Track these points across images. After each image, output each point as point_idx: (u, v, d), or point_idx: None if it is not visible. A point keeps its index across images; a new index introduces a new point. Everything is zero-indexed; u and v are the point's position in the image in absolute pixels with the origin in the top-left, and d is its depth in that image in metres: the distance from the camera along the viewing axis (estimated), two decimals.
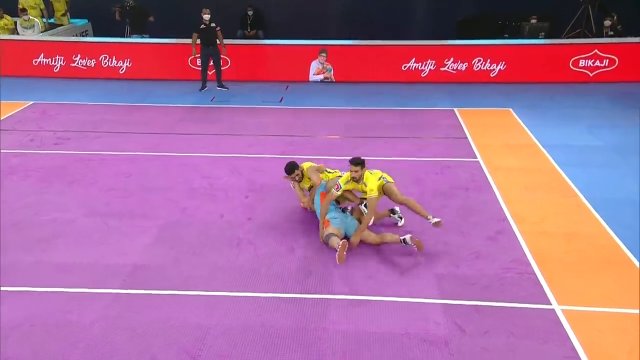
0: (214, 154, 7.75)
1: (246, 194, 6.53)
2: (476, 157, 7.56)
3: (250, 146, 8.08)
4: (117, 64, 11.71)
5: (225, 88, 10.59)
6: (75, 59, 11.73)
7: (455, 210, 6.08)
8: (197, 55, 10.53)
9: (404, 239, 5.15)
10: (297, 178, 5.84)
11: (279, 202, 6.28)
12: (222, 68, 10.63)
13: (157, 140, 8.31)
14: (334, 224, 5.33)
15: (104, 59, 11.71)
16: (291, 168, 5.80)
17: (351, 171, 5.21)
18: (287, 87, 11.41)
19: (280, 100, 10.50)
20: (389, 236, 5.27)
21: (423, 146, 8.05)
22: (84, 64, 11.75)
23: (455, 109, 9.72)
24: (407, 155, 7.69)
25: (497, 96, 10.47)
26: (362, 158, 5.28)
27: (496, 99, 10.27)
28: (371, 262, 5.12)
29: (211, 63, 10.49)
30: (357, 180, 5.23)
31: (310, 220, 5.87)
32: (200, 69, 10.68)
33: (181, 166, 7.31)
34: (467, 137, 8.33)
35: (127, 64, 11.71)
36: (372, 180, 5.23)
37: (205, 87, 10.60)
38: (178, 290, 4.75)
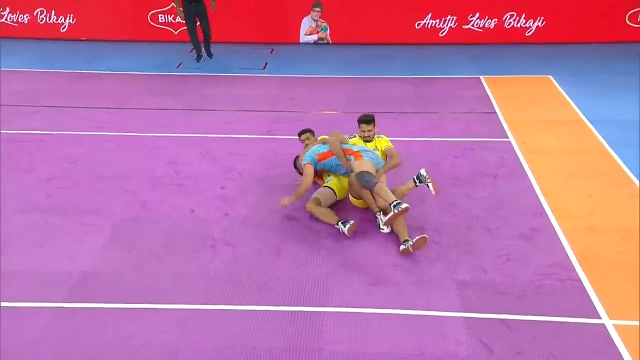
0: (182, 134, 7.75)
1: (222, 183, 6.54)
2: (507, 137, 7.60)
3: (227, 124, 8.07)
4: (57, 20, 11.61)
5: (208, 56, 10.48)
6: (3, 13, 11.60)
7: (480, 203, 6.12)
8: (181, 17, 10.40)
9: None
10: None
11: (263, 194, 6.30)
12: (197, 28, 10.40)
13: (109, 116, 8.28)
14: (367, 156, 5.73)
15: (40, 14, 11.59)
16: (302, 131, 6.39)
17: (362, 131, 5.99)
18: (272, 50, 11.37)
19: (264, 67, 10.46)
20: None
21: (441, 123, 8.07)
22: (14, 20, 11.63)
23: (481, 77, 9.73)
24: (421, 135, 7.71)
25: (534, 60, 10.49)
26: (373, 114, 6.05)
27: (533, 64, 10.29)
28: (377, 266, 5.15)
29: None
30: (369, 139, 6.03)
31: (301, 215, 5.90)
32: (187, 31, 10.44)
33: (140, 149, 7.31)
34: (495, 112, 8.38)
35: (70, 20, 11.61)
36: (381, 140, 6.13)
37: (202, 56, 10.46)
38: (138, 303, 4.76)
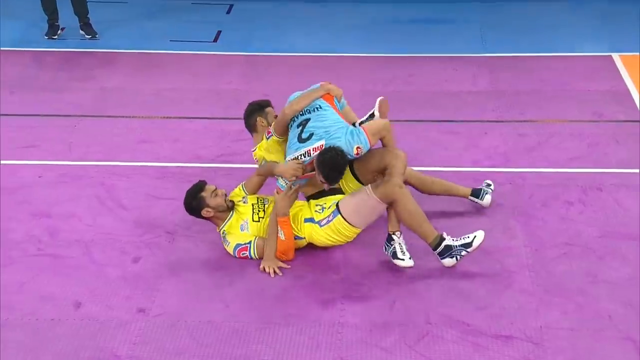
0: (62, 161, 7.82)
1: (135, 252, 6.54)
2: None
3: (145, 143, 8.14)
4: None
5: (92, 35, 10.58)
6: None
7: (614, 289, 6.03)
8: None
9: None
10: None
11: (212, 270, 6.31)
12: None
13: None
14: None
15: None
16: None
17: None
18: (231, 7, 11.53)
19: (215, 39, 10.60)
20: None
21: (540, 141, 8.08)
22: None
23: (614, 55, 9.78)
24: (504, 162, 7.77)
25: None
26: None
27: None
28: None
29: None
30: None
31: (289, 304, 5.88)
32: None
33: None
34: None
35: None
36: None
37: (59, 28, 10.65)
38: None
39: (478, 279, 6.12)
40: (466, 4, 11.46)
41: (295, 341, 5.54)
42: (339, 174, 6.20)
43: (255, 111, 6.86)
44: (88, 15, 10.50)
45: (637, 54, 9.82)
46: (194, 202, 6.38)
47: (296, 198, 6.35)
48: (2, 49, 10.15)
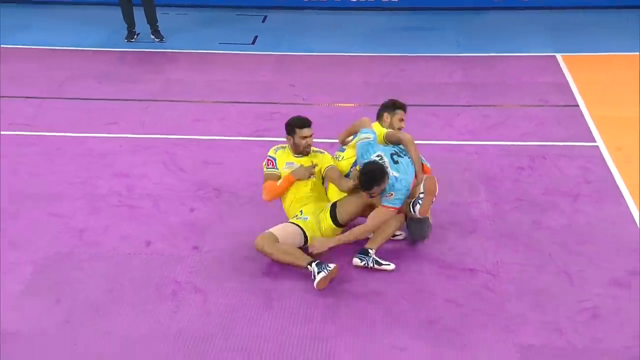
0: (136, 134, 7.85)
1: (191, 204, 6.58)
2: (594, 140, 7.59)
3: (199, 122, 8.15)
4: None
5: (160, 39, 10.67)
6: None
7: (555, 235, 6.09)
8: None
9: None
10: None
11: (249, 219, 6.31)
12: None
13: (32, 110, 8.34)
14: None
15: None
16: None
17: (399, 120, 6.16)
18: (265, 17, 11.48)
19: (253, 42, 10.57)
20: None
21: (500, 121, 8.09)
22: None
23: (558, 55, 9.75)
24: (472, 137, 7.77)
25: (636, 30, 10.45)
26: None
27: (634, 36, 10.25)
28: (403, 323, 5.10)
29: None
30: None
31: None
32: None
33: (77, 157, 7.37)
34: (578, 105, 8.38)
35: None
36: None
37: (136, 33, 10.70)
38: None
39: (450, 226, 6.18)
40: (445, 15, 11.45)
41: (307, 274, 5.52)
42: (373, 184, 5.43)
43: (387, 108, 6.23)
44: (157, 24, 10.54)
45: (575, 54, 9.84)
46: (288, 127, 5.97)
47: (312, 174, 5.86)
48: (93, 49, 10.23)
